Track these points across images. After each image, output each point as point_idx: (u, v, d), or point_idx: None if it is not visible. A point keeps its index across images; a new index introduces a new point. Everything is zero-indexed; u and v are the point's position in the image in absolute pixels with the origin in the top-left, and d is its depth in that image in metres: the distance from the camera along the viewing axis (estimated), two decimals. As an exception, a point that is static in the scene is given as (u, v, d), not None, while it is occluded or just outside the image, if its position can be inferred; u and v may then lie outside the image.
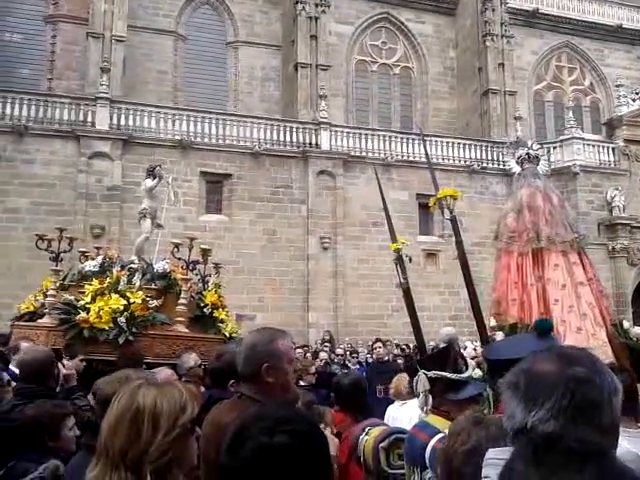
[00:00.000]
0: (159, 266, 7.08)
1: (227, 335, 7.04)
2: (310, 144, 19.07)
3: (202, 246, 7.65)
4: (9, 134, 16.39)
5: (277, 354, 2.32)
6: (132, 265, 7.05)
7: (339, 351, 12.09)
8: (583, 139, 21.54)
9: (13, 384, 4.20)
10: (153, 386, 1.69)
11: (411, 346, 11.97)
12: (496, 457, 1.26)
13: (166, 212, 8.62)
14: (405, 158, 19.81)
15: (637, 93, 22.28)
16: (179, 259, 7.00)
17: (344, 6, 23.85)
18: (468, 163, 20.46)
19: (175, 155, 17.51)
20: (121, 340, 6.03)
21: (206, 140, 18.14)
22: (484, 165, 20.65)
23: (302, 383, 6.93)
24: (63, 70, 20.93)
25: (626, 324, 5.43)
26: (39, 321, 6.72)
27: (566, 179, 20.06)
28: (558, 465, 0.96)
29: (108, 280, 6.48)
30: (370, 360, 11.22)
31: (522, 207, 6.08)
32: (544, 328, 2.70)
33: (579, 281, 5.86)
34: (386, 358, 10.18)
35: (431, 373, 2.81)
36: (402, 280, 4.60)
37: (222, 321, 7.19)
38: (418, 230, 19.19)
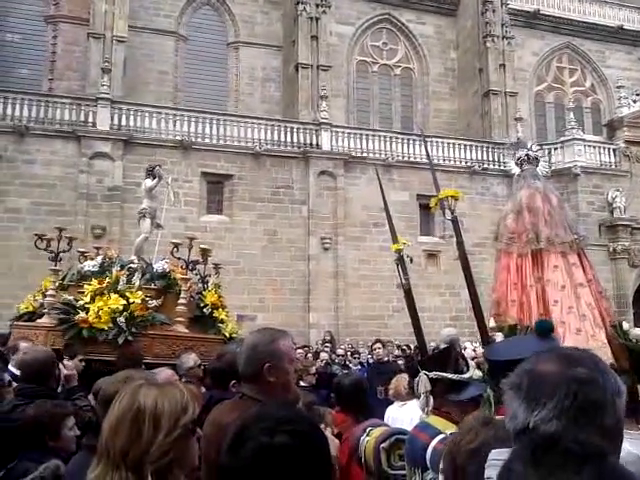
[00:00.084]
0: (159, 266, 7.05)
1: (227, 335, 7.01)
2: (311, 145, 19.07)
3: (202, 246, 7.62)
4: (10, 134, 16.40)
5: (278, 354, 2.33)
6: (131, 265, 7.02)
7: (340, 352, 12.08)
8: (584, 140, 21.52)
9: (14, 384, 4.19)
10: (154, 386, 1.69)
11: (412, 347, 11.94)
12: (498, 458, 1.25)
13: (166, 212, 8.62)
14: (406, 159, 19.81)
15: (638, 94, 22.26)
16: (179, 259, 6.97)
17: (345, 7, 23.85)
18: (469, 164, 20.45)
19: (176, 155, 17.51)
20: (120, 340, 6.01)
21: (207, 140, 18.14)
22: (485, 166, 20.65)
23: (303, 383, 6.93)
24: (64, 70, 20.93)
25: (626, 325, 5.42)
26: (38, 321, 6.68)
27: (567, 180, 20.06)
28: (556, 466, 0.95)
29: (107, 280, 6.45)
30: (371, 361, 11.20)
31: (522, 208, 6.08)
32: (545, 329, 2.70)
33: (578, 282, 5.86)
34: (386, 359, 10.17)
35: (432, 374, 2.80)
36: (403, 281, 4.61)
37: (222, 321, 7.15)
38: (419, 231, 19.19)
